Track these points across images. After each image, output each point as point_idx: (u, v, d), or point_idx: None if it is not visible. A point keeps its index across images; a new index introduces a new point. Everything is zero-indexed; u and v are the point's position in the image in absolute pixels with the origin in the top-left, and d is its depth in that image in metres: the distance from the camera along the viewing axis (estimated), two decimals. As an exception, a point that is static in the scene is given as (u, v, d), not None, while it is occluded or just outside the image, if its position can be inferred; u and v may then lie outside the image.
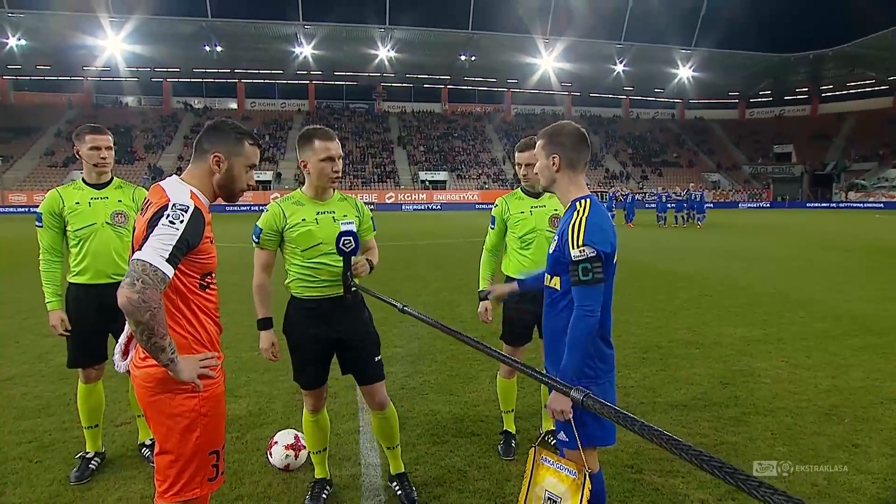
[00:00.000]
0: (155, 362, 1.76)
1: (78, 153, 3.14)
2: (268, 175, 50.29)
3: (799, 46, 58.61)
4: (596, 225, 1.99)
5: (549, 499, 1.99)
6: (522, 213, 3.29)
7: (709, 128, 68.20)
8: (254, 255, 2.75)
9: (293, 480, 3.03)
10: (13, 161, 48.80)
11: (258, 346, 2.57)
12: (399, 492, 2.88)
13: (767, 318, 6.76)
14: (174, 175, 1.96)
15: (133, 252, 1.76)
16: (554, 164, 2.15)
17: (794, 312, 7.04)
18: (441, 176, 53.86)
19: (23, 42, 51.57)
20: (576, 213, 2.05)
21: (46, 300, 3.09)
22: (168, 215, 1.71)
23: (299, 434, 3.16)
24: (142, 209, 1.88)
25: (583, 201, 2.09)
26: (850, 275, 10.34)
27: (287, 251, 2.73)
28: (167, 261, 1.67)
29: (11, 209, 43.36)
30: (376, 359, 2.83)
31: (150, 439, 3.31)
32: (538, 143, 2.25)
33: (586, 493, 1.87)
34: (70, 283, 3.17)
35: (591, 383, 2.06)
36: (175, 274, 1.74)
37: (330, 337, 2.76)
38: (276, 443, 3.08)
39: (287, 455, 3.05)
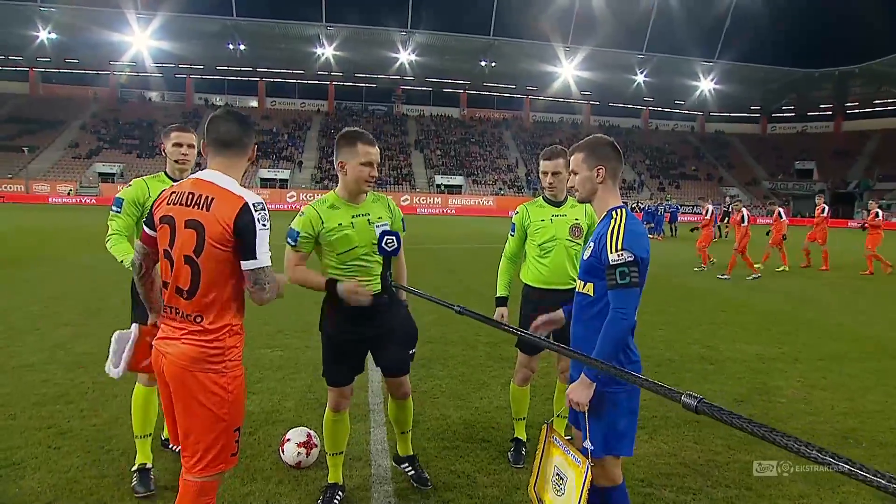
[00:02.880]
0: (189, 340, 1.95)
1: (163, 149, 3.23)
2: (285, 174, 50.79)
3: (824, 62, 57.87)
4: (634, 232, 2.07)
5: (557, 474, 2.17)
6: (543, 221, 3.29)
7: (729, 141, 67.52)
8: (285, 256, 2.71)
9: (304, 478, 3.05)
10: (39, 152, 49.83)
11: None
12: (411, 472, 3.00)
13: (783, 336, 6.67)
14: (210, 170, 2.05)
15: (201, 247, 1.92)
16: (599, 175, 2.23)
17: (810, 332, 6.94)
18: (457, 180, 53.93)
19: (53, 35, 52.76)
20: (613, 220, 2.13)
21: (125, 256, 2.96)
22: (259, 220, 1.93)
23: (312, 432, 3.19)
24: (195, 203, 1.95)
25: (620, 210, 2.17)
26: (870, 296, 10.17)
27: (323, 254, 2.75)
28: (269, 257, 1.98)
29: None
30: (410, 351, 2.94)
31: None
32: (578, 155, 2.28)
33: (587, 482, 1.99)
34: None
35: (620, 389, 2.13)
36: (235, 261, 1.96)
37: (365, 335, 2.81)
38: (288, 440, 3.11)
39: (299, 452, 3.08)
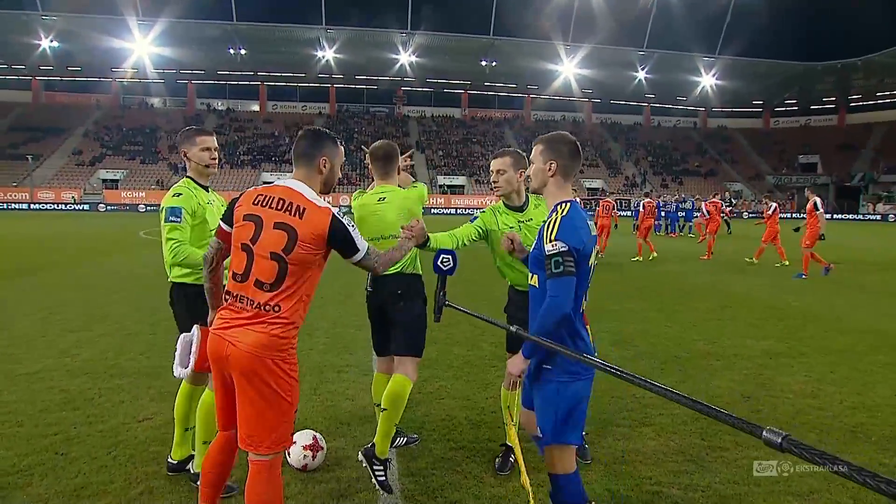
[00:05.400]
0: (262, 329, 2.12)
1: (186, 155, 3.12)
2: (287, 177, 50.78)
3: (826, 55, 57.59)
4: (569, 224, 2.17)
5: None
6: (511, 228, 3.07)
7: (732, 136, 67.27)
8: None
9: (311, 480, 3.05)
10: (43, 159, 50.08)
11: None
12: (404, 440, 3.44)
13: (790, 331, 6.64)
14: (295, 181, 2.31)
15: (291, 247, 2.14)
16: (550, 169, 2.32)
17: (817, 326, 6.89)
18: (459, 181, 53.93)
19: (55, 44, 53.04)
20: (554, 213, 2.23)
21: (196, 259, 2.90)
22: (347, 223, 2.23)
23: (317, 435, 3.20)
24: (286, 209, 2.19)
25: (564, 204, 2.26)
26: (877, 289, 10.11)
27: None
28: (364, 243, 2.31)
29: (39, 206, 44.47)
30: None
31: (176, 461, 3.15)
32: (537, 147, 2.38)
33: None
34: (190, 283, 2.99)
35: (575, 379, 2.23)
36: (318, 261, 2.22)
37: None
38: (294, 443, 3.11)
39: (305, 455, 3.08)
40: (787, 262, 12.65)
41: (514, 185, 3.12)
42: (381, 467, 2.96)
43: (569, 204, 2.26)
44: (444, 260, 2.69)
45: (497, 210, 3.20)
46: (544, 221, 2.27)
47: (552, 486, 2.31)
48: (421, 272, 3.33)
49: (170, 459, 3.12)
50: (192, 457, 3.11)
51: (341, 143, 2.46)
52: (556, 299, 2.12)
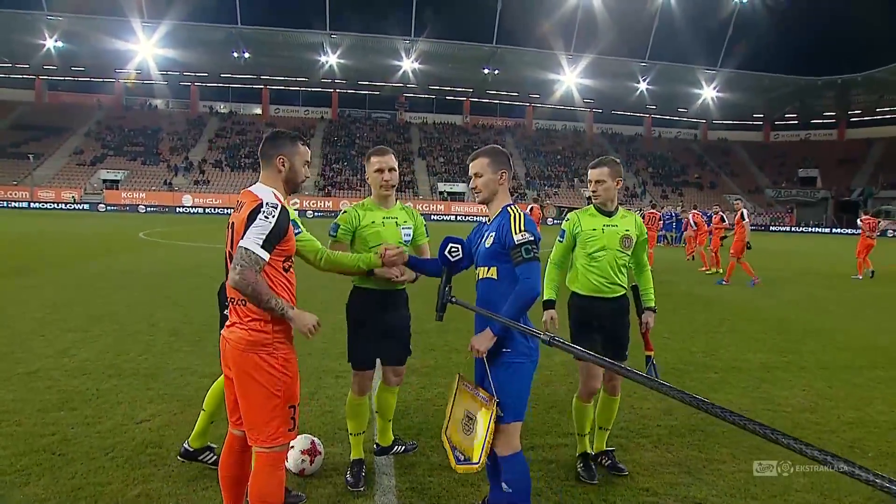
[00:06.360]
0: (244, 326, 2.22)
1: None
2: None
3: (827, 70, 57.92)
4: (530, 220, 2.48)
5: (467, 416, 2.46)
6: (594, 230, 3.28)
7: (732, 149, 67.51)
8: (329, 247, 3.04)
9: (308, 485, 3.05)
10: (44, 159, 50.13)
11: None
12: (401, 449, 3.41)
13: (788, 345, 6.64)
14: (258, 183, 2.40)
15: (233, 243, 2.24)
16: (502, 178, 2.61)
17: (816, 341, 6.90)
18: (460, 187, 54.02)
19: (59, 44, 53.22)
20: (511, 212, 2.50)
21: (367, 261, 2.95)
22: (263, 212, 2.18)
23: (315, 440, 3.20)
24: (236, 209, 2.31)
25: (513, 206, 2.55)
26: (876, 305, 10.12)
27: (357, 247, 3.12)
28: (262, 246, 2.14)
29: (38, 205, 44.45)
30: (409, 346, 3.30)
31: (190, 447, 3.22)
32: (483, 159, 2.61)
33: (493, 416, 2.32)
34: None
35: (526, 360, 2.45)
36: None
37: (385, 323, 3.14)
38: (291, 447, 3.11)
39: (303, 460, 3.08)
40: (688, 259, 14.68)
41: (611, 194, 3.30)
42: (347, 468, 3.18)
43: (515, 206, 2.55)
44: (453, 249, 2.58)
45: (584, 213, 3.39)
46: (498, 220, 2.51)
47: (504, 469, 2.44)
48: (358, 283, 3.15)
49: (186, 445, 3.19)
50: (207, 448, 3.19)
51: (304, 142, 2.48)
52: (530, 281, 2.35)
